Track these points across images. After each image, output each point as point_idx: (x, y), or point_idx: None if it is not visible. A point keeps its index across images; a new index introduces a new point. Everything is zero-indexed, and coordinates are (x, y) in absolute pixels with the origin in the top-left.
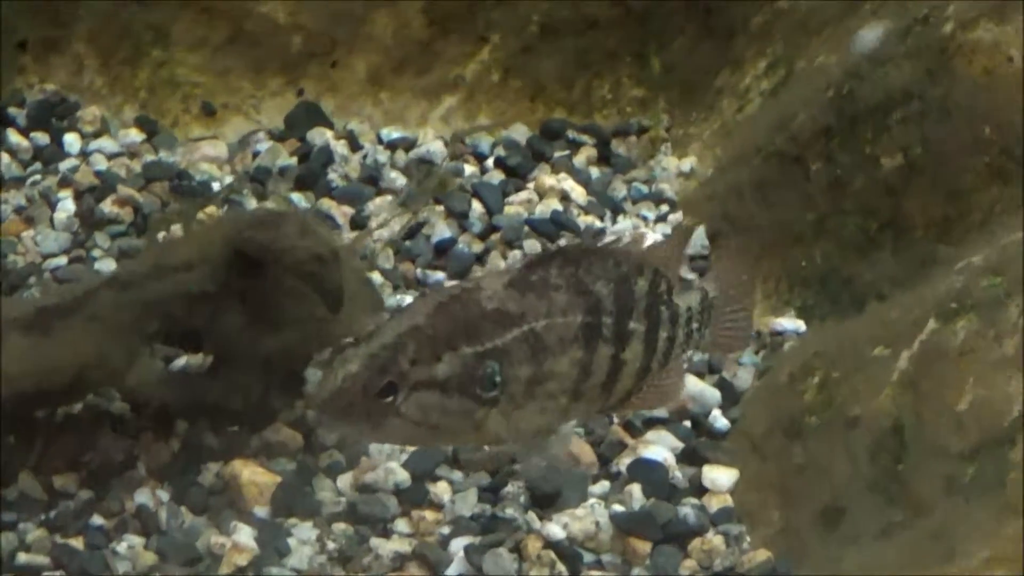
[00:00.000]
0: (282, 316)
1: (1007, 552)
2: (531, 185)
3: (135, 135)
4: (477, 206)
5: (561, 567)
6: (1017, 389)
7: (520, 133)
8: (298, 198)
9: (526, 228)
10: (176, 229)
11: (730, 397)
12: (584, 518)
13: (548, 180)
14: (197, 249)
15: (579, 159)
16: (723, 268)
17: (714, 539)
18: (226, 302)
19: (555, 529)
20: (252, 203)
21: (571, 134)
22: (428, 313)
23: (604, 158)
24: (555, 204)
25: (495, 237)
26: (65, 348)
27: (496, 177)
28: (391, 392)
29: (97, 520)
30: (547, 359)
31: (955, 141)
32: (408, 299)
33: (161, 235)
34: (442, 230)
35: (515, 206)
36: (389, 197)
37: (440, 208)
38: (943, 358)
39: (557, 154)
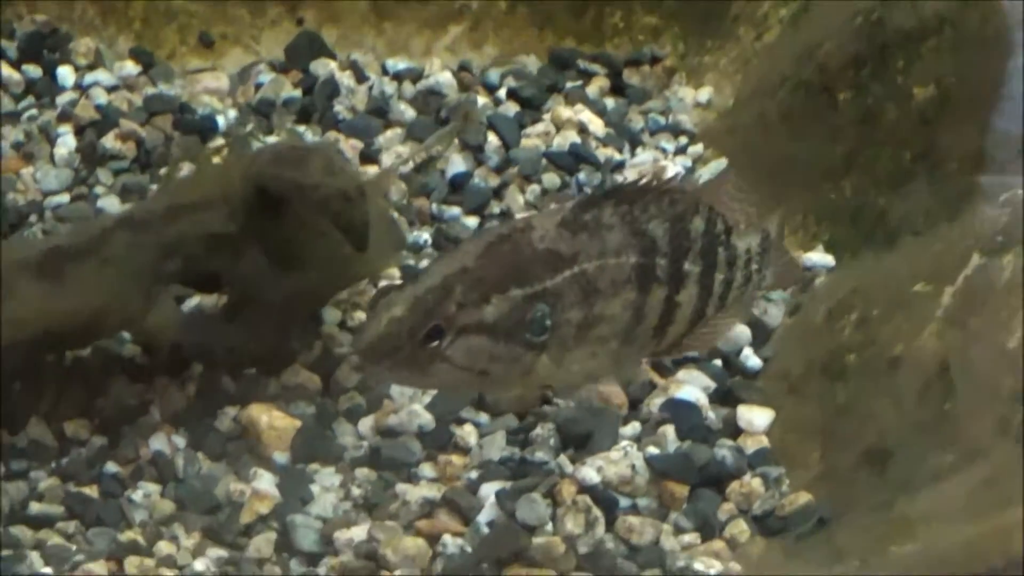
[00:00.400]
0: (305, 255)
1: None
2: (547, 117)
3: (131, 67)
4: (493, 139)
5: (597, 512)
6: None
7: (529, 63)
8: (304, 131)
9: (544, 161)
10: (182, 165)
11: (761, 335)
12: (619, 462)
13: (565, 112)
14: (216, 187)
15: (591, 90)
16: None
17: (752, 482)
18: (247, 242)
19: (590, 473)
20: (259, 137)
21: (582, 64)
22: (477, 254)
23: (617, 89)
24: (573, 136)
25: (512, 171)
26: (79, 292)
27: (511, 109)
28: (437, 336)
29: (111, 467)
30: (599, 302)
31: (990, 70)
32: (425, 236)
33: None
34: (457, 164)
35: (532, 139)
36: (399, 130)
37: (456, 141)
38: (990, 294)
39: (569, 84)
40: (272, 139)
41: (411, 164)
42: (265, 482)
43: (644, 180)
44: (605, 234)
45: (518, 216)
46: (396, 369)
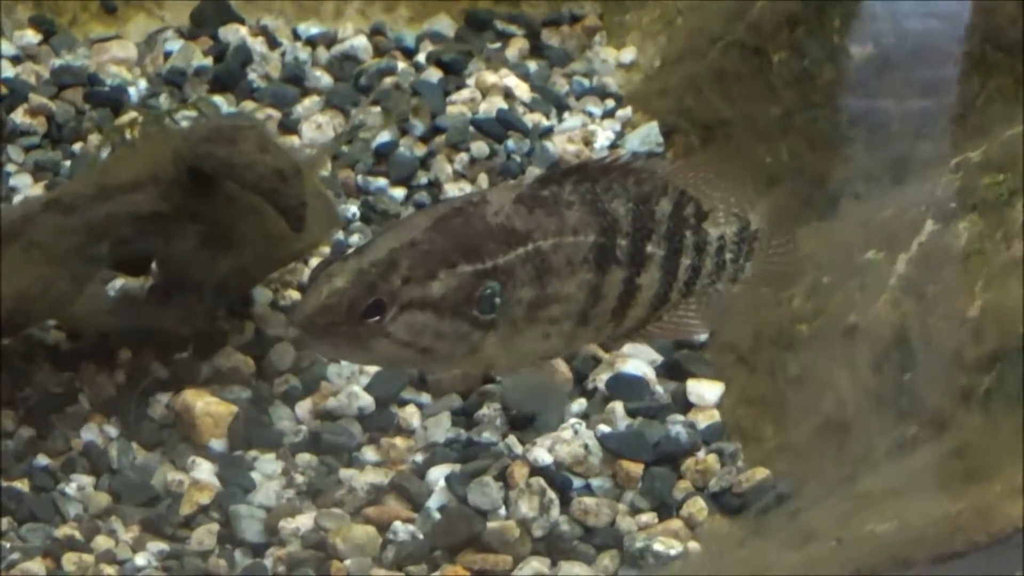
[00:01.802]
0: (238, 235)
1: None
2: (471, 82)
3: (31, 36)
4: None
5: (551, 494)
6: None
7: (444, 25)
8: (219, 102)
9: (471, 129)
10: (94, 139)
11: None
12: (571, 441)
13: (490, 77)
14: (146, 166)
15: (510, 52)
16: (775, 200)
17: (707, 458)
18: (179, 223)
19: (542, 454)
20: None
21: (499, 25)
22: (426, 227)
23: (537, 50)
24: (499, 102)
25: (439, 139)
26: (4, 277)
27: (433, 75)
28: (379, 311)
29: (42, 460)
30: (552, 281)
31: (931, 29)
32: (352, 209)
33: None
34: (382, 134)
35: (458, 106)
36: (316, 98)
37: (377, 109)
38: (946, 261)
39: (487, 47)
40: (187, 112)
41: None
42: (204, 471)
43: (610, 159)
44: (563, 211)
45: (447, 186)
46: (335, 344)
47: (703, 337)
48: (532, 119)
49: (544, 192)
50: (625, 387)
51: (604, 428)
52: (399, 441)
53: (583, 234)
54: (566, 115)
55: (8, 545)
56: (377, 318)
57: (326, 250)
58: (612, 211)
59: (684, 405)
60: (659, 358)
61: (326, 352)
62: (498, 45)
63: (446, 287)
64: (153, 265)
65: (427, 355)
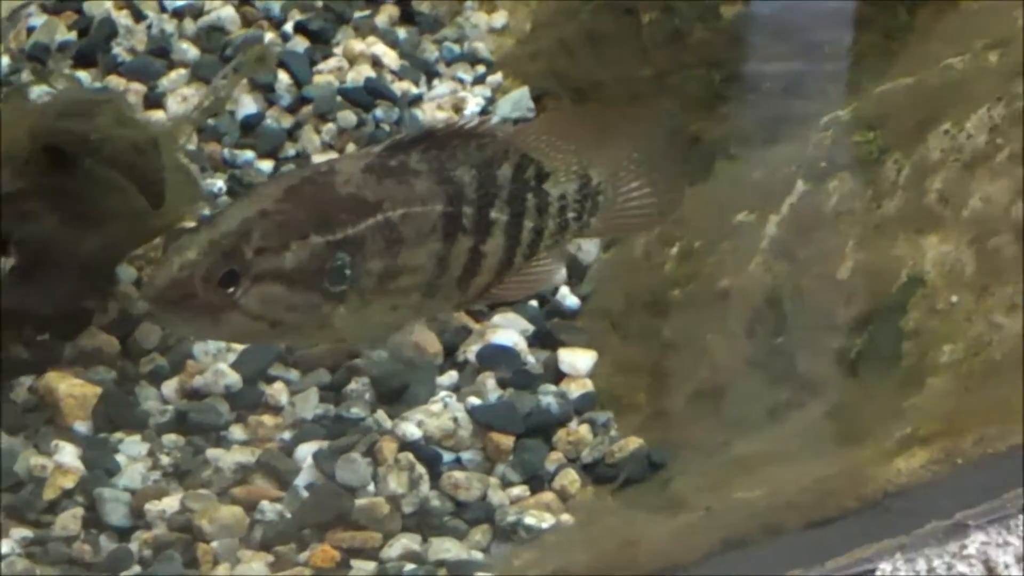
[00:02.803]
0: (98, 212)
1: (924, 430)
2: (339, 51)
3: None
4: (284, 77)
5: (420, 469)
6: (904, 252)
7: None
8: (83, 77)
9: (339, 98)
10: None
11: (577, 272)
12: (440, 415)
13: (357, 45)
14: (1, 144)
15: (381, 19)
16: (616, 147)
17: (580, 428)
18: (36, 200)
19: (410, 428)
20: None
21: None
22: (277, 197)
23: (407, 17)
24: (367, 70)
25: (306, 110)
26: None
27: (300, 44)
28: (232, 282)
29: None
30: (402, 252)
31: None
32: (219, 183)
33: None
34: (248, 105)
35: (325, 75)
36: (183, 71)
37: (243, 81)
38: (817, 222)
39: (357, 14)
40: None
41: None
42: (68, 454)
43: (456, 124)
44: (412, 180)
45: (315, 158)
46: (187, 317)
47: (575, 304)
48: (401, 87)
49: (392, 161)
50: (496, 358)
51: (474, 400)
52: (267, 419)
53: (431, 203)
54: (436, 82)
55: None
56: (231, 290)
57: (191, 224)
58: (458, 179)
59: (556, 375)
60: (531, 327)
61: (177, 326)
62: (368, 12)
63: (298, 258)
64: (12, 245)
65: (278, 328)
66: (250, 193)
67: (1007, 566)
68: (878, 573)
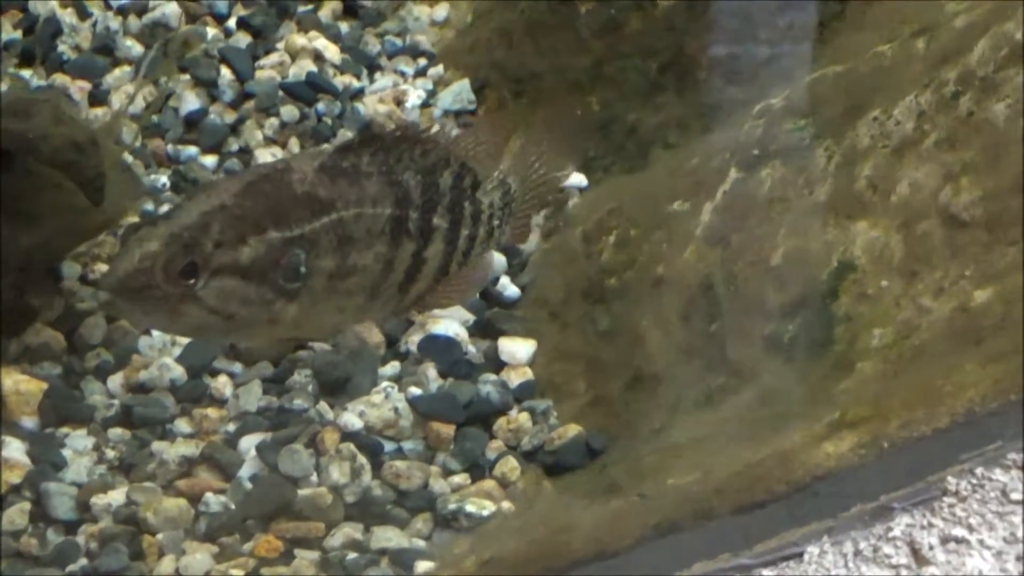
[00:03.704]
0: (38, 209)
1: (852, 414)
2: (281, 46)
3: None
4: (226, 72)
5: (362, 459)
6: (834, 238)
7: None
8: (29, 76)
9: (281, 93)
10: None
11: (516, 262)
12: (381, 405)
13: (299, 40)
14: None
15: (323, 13)
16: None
17: (520, 417)
18: None
19: (351, 419)
20: None
21: None
22: (235, 192)
23: (350, 10)
24: (309, 65)
25: (249, 105)
26: None
27: (242, 40)
28: (192, 275)
29: None
30: (352, 252)
31: None
32: (163, 179)
33: None
34: (191, 101)
35: (267, 70)
36: (127, 68)
37: (186, 77)
38: (750, 210)
39: (301, 9)
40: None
41: (139, 102)
42: (14, 450)
43: (402, 128)
44: (363, 182)
45: (258, 152)
46: (146, 308)
47: (515, 293)
48: (343, 81)
49: (344, 162)
50: (437, 348)
51: (415, 391)
52: (211, 411)
53: (382, 205)
54: (377, 75)
55: None
56: (191, 281)
57: (134, 220)
58: (405, 183)
59: (496, 364)
60: (471, 317)
61: (135, 318)
62: (311, 7)
63: (256, 253)
64: None
65: (231, 323)
66: (208, 188)
67: (931, 547)
68: (806, 556)
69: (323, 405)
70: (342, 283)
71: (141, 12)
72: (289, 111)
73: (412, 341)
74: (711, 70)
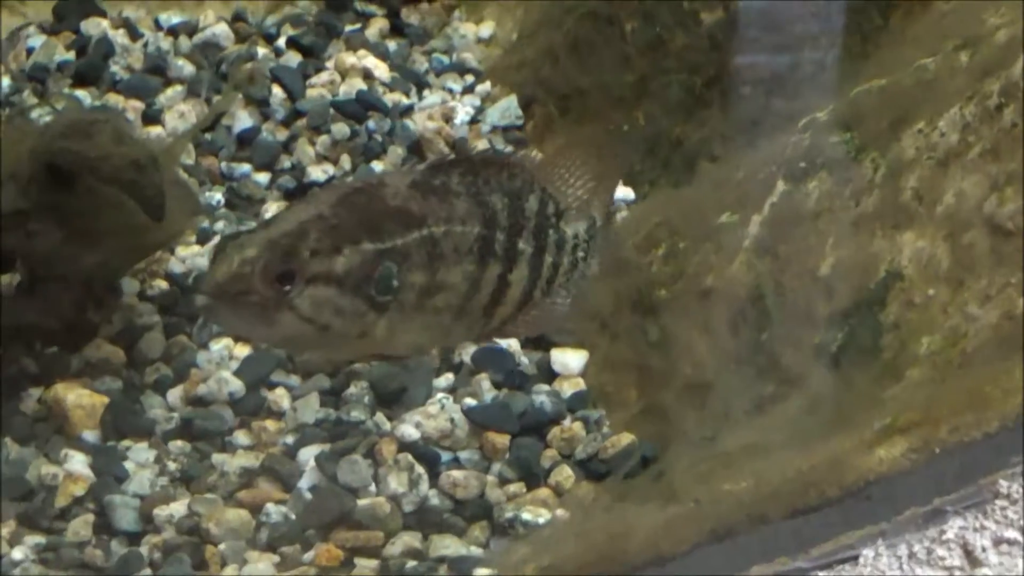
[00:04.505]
0: (100, 228)
1: (903, 420)
2: (330, 64)
3: None
4: (278, 91)
5: (419, 469)
6: (881, 248)
7: (304, 8)
8: (82, 96)
9: (332, 111)
10: None
11: None
12: (437, 416)
13: (348, 58)
14: (4, 165)
15: (371, 32)
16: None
17: (573, 426)
18: (39, 218)
19: (409, 430)
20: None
21: (359, 5)
22: (332, 202)
23: (397, 29)
24: (358, 83)
25: (300, 123)
26: None
27: (293, 59)
28: (289, 280)
29: None
30: (441, 268)
31: None
32: (217, 196)
33: None
34: (243, 119)
35: (317, 88)
36: (179, 88)
37: (239, 95)
38: (797, 221)
39: (348, 28)
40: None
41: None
42: (77, 463)
43: (489, 152)
44: (453, 200)
45: (310, 170)
46: (243, 314)
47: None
48: (392, 98)
49: (435, 180)
50: (490, 359)
51: (470, 401)
52: (270, 424)
53: (470, 224)
54: (426, 92)
55: None
56: (287, 287)
57: (192, 238)
58: (492, 204)
59: (549, 374)
60: None
61: (231, 323)
62: (358, 26)
63: (350, 263)
64: (18, 262)
65: (323, 335)
66: (306, 198)
67: (984, 549)
68: (861, 559)
69: (380, 416)
70: (430, 300)
71: (191, 32)
72: (340, 128)
73: (466, 353)
74: (755, 84)
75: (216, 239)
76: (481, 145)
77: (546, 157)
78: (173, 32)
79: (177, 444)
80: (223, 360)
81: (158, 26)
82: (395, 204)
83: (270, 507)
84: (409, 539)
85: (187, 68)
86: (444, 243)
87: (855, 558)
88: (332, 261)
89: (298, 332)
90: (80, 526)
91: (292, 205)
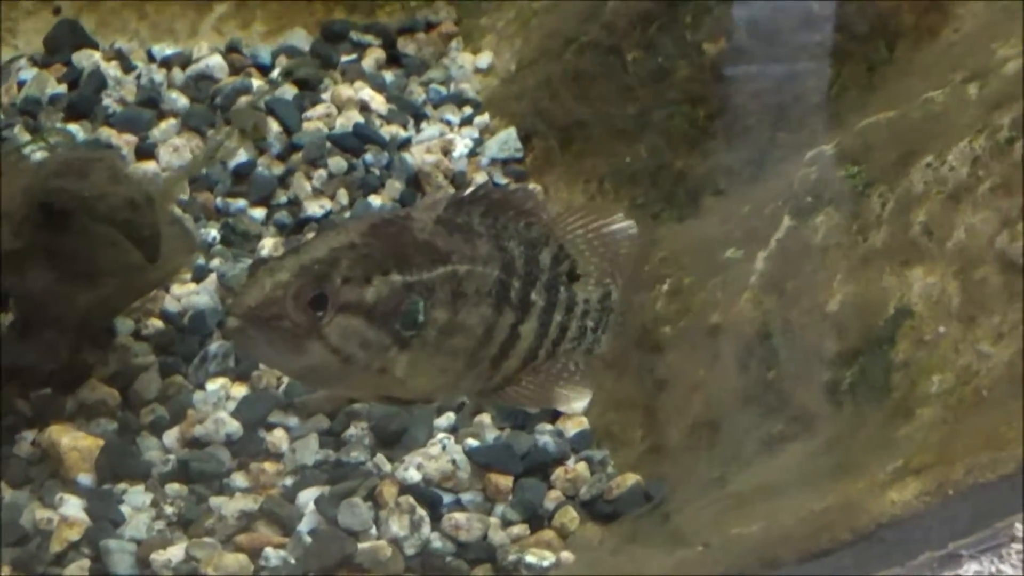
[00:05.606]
0: (95, 268)
1: (916, 461)
2: (327, 96)
3: None
4: (274, 125)
5: (421, 511)
6: (891, 284)
7: (300, 38)
8: (75, 129)
9: (328, 144)
10: None
11: None
12: (439, 457)
13: (345, 91)
14: None
15: (367, 63)
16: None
17: (577, 466)
18: (34, 258)
19: (410, 472)
20: (25, 138)
21: (355, 36)
22: (362, 232)
23: (394, 59)
24: (356, 116)
25: (296, 157)
26: None
27: (288, 92)
28: (320, 306)
29: None
30: (462, 308)
31: (784, 20)
32: (212, 232)
33: None
34: (239, 154)
35: (314, 121)
36: (173, 121)
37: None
38: (805, 256)
39: (344, 59)
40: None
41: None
42: (72, 507)
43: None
44: (476, 240)
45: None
46: (273, 339)
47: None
48: (390, 131)
49: (458, 218)
50: None
51: (472, 442)
52: (268, 465)
53: (491, 265)
54: (424, 125)
55: None
56: (319, 313)
57: (187, 276)
58: (510, 250)
59: (553, 414)
60: None
61: (259, 349)
62: (354, 56)
63: (379, 293)
64: (11, 302)
65: (347, 367)
66: (336, 227)
67: None
68: None
69: (380, 458)
70: (450, 340)
71: (185, 64)
72: (337, 162)
73: None
74: (759, 117)
75: (211, 277)
76: (480, 178)
77: (567, 211)
78: (166, 64)
79: (174, 487)
80: (220, 400)
81: (151, 58)
82: (423, 238)
83: (269, 551)
84: None
85: (181, 100)
86: (467, 282)
87: None
88: (363, 290)
89: (323, 363)
90: (76, 572)
91: (324, 232)
